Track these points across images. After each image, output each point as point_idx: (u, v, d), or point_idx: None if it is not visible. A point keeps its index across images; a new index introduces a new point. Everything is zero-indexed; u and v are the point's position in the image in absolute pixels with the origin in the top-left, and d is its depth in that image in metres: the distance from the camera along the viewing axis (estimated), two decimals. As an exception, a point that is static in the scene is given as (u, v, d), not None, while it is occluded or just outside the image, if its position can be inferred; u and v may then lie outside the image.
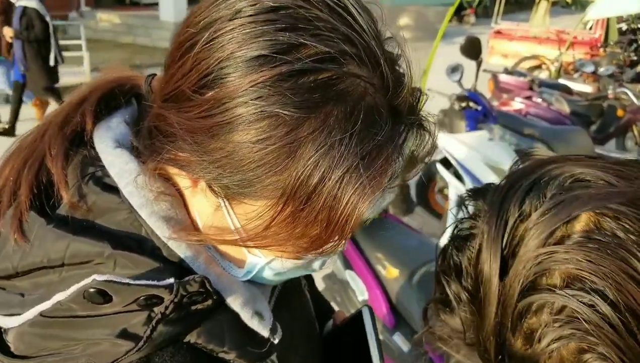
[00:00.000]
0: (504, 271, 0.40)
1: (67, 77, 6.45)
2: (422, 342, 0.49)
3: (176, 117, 0.42)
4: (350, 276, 2.16)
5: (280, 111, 0.38)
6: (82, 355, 0.44)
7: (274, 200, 0.42)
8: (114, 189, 0.48)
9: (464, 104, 3.25)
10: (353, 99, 0.40)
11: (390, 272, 1.98)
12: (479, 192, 0.46)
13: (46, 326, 0.44)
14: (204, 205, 0.47)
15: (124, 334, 0.44)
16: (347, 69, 0.40)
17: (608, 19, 8.77)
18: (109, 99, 0.54)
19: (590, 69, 5.78)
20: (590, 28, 9.58)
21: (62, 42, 7.42)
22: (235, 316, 0.50)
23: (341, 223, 0.42)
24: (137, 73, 0.58)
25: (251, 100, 0.39)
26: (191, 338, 0.47)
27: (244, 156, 0.40)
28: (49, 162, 0.49)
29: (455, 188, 2.89)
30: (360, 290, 2.08)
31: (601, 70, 5.84)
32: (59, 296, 0.44)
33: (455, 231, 0.47)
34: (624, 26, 9.18)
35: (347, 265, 2.19)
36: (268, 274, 0.52)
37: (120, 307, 0.43)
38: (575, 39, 8.32)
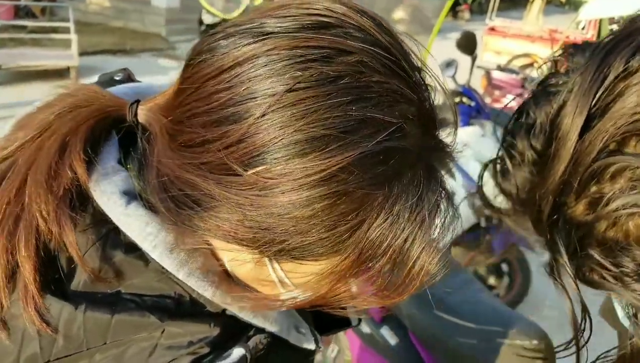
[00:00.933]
0: (586, 128, 0.36)
1: (55, 60, 6.34)
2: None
3: (219, 190, 0.39)
4: (339, 269, 2.15)
5: (350, 189, 0.38)
6: None
7: (337, 259, 0.41)
8: (135, 249, 0.45)
9: (457, 99, 3.24)
10: (413, 164, 0.41)
11: (380, 266, 1.97)
12: (579, 48, 0.43)
13: None
14: (242, 260, 0.44)
15: None
16: (408, 132, 0.40)
17: (600, 20, 8.82)
18: (94, 142, 0.47)
19: (582, 68, 5.81)
20: (583, 28, 9.63)
21: (49, 24, 7.29)
22: (283, 342, 0.51)
23: (408, 282, 0.44)
24: (111, 97, 0.49)
25: (320, 181, 0.37)
26: None
27: (307, 231, 0.39)
28: (52, 233, 0.43)
29: (446, 184, 2.90)
30: (349, 284, 2.07)
31: (593, 70, 5.88)
32: None
33: (540, 86, 0.43)
34: (615, 27, 9.25)
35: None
36: None
37: None
38: (567, 39, 8.37)
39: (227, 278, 0.47)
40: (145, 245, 0.44)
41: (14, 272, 0.43)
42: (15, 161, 0.45)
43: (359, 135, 0.37)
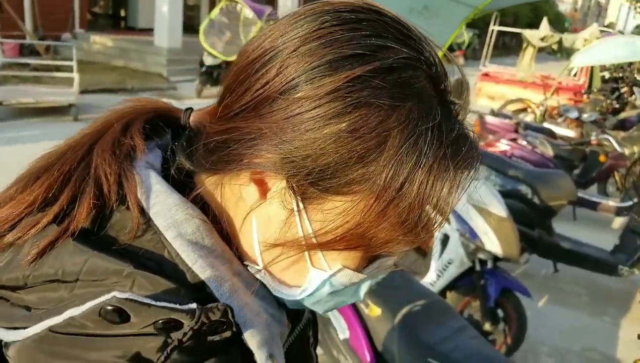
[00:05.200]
0: None
1: (57, 96, 6.43)
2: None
3: (260, 123, 0.44)
4: (332, 313, 2.12)
5: (374, 101, 0.41)
6: None
7: (365, 193, 0.43)
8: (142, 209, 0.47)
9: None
10: (430, 96, 0.44)
11: (373, 310, 1.94)
12: None
13: (54, 343, 0.41)
14: (273, 215, 0.46)
15: (137, 358, 0.41)
16: (423, 71, 0.44)
17: (592, 67, 9.04)
18: (151, 125, 0.55)
19: (574, 114, 5.93)
20: (575, 75, 9.86)
21: (53, 63, 7.42)
22: (249, 354, 0.47)
23: (434, 216, 0.45)
24: (172, 105, 0.58)
25: (346, 93, 0.41)
26: None
27: (336, 148, 0.42)
28: (110, 191, 0.47)
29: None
30: (342, 329, 2.03)
31: (585, 116, 6.00)
32: (73, 311, 0.41)
33: None
34: (606, 74, 9.48)
35: (329, 301, 2.15)
36: (324, 292, 0.50)
37: (137, 328, 0.41)
38: (560, 85, 8.56)
39: (221, 257, 0.48)
40: (147, 202, 0.47)
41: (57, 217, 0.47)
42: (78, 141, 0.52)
43: (379, 55, 0.42)
